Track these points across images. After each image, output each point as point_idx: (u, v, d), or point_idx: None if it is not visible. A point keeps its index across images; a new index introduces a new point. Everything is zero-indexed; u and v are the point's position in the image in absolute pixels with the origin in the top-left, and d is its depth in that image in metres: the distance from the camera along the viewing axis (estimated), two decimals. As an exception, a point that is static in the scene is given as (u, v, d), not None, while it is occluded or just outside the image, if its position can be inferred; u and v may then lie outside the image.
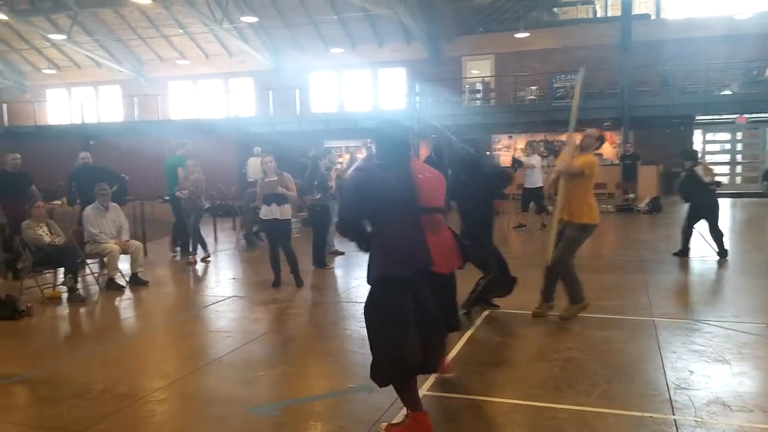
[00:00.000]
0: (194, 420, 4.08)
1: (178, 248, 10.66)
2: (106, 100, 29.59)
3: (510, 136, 23.75)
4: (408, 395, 3.61)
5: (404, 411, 3.77)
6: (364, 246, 3.68)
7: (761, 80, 19.73)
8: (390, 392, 4.12)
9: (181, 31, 25.87)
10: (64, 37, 25.46)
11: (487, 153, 21.76)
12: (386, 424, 3.72)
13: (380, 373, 3.57)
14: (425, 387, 4.31)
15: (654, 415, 3.83)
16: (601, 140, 6.10)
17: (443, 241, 3.68)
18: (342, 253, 10.08)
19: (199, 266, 9.72)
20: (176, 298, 7.88)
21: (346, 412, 4.11)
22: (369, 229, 3.67)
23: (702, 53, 20.48)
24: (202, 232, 10.17)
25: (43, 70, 29.88)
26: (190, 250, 9.94)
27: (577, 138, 5.98)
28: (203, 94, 28.03)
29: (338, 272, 9.01)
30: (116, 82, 29.01)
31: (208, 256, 10.13)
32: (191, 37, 26.52)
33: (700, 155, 10.02)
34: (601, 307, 6.32)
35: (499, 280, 6.05)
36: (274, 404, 4.21)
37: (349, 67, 26.06)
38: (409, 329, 3.46)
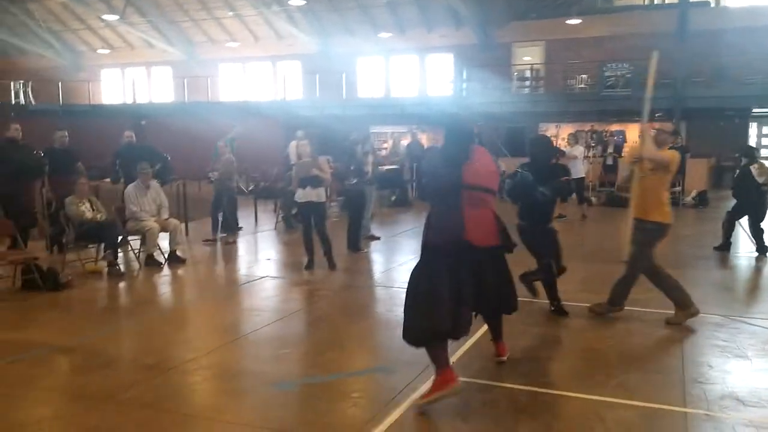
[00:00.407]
0: (216, 392, 4.26)
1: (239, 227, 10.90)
2: (158, 81, 30.32)
3: (557, 125, 23.35)
4: (436, 354, 3.89)
5: (418, 394, 3.84)
6: None
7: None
8: (406, 375, 4.23)
9: (231, 13, 26.24)
10: (117, 17, 26.14)
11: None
12: (418, 397, 3.90)
13: (411, 334, 3.91)
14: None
15: (665, 406, 3.83)
16: (676, 135, 5.84)
17: (482, 217, 4.01)
18: (378, 238, 10.14)
19: (238, 246, 9.94)
20: (212, 276, 8.10)
21: (362, 390, 4.21)
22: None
23: (763, 43, 19.63)
24: (222, 215, 10.12)
25: (98, 50, 30.78)
26: (228, 230, 10.15)
27: (648, 128, 5.51)
28: (252, 77, 28.42)
29: (372, 257, 9.09)
30: (168, 63, 29.67)
31: (215, 240, 10.01)
32: (241, 20, 26.87)
33: (757, 153, 9.75)
34: (629, 300, 6.21)
35: (549, 268, 5.83)
36: (295, 381, 4.34)
37: (396, 52, 25.98)
38: (440, 295, 3.78)
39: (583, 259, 8.48)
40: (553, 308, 5.85)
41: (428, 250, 3.99)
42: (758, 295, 7.29)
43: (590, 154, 19.90)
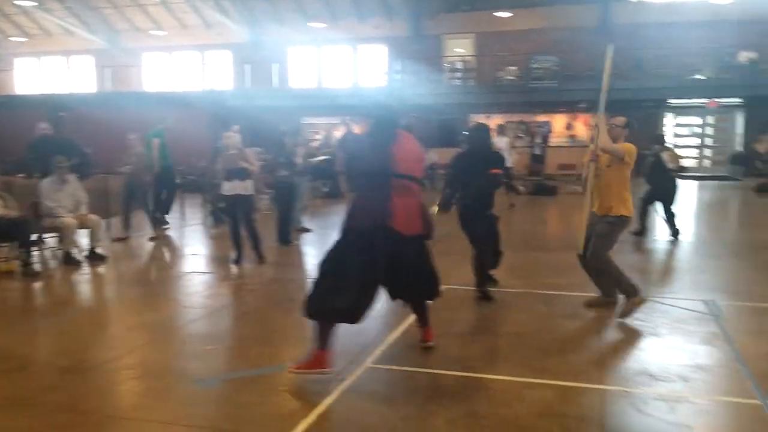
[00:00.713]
0: (138, 391, 4.13)
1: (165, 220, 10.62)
2: (78, 71, 29.05)
3: (487, 116, 23.80)
4: (324, 333, 4.04)
5: (347, 384, 3.88)
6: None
7: (733, 65, 19.92)
8: (334, 365, 4.23)
9: None
10: (35, 3, 24.88)
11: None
12: (291, 364, 4.12)
13: (309, 307, 4.04)
14: (369, 360, 4.40)
15: (583, 384, 4.00)
16: (630, 127, 5.47)
17: (408, 205, 4.12)
18: (309, 230, 10.10)
19: (164, 242, 9.67)
20: (134, 272, 7.85)
21: (290, 382, 4.16)
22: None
23: (680, 38, 20.57)
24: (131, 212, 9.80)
25: (13, 38, 29.21)
26: (155, 225, 9.86)
27: (604, 120, 5.40)
28: (179, 66, 27.65)
29: (302, 249, 9.04)
30: (89, 52, 28.48)
31: (126, 238, 9.60)
32: (167, 7, 26.09)
33: (667, 141, 10.29)
34: (550, 284, 6.51)
35: (485, 254, 5.94)
36: (220, 376, 4.26)
37: (329, 42, 25.82)
38: (347, 277, 3.90)
39: (511, 246, 8.63)
40: (480, 294, 5.95)
41: (349, 233, 4.06)
42: (671, 276, 7.68)
43: (518, 144, 20.41)
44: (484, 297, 5.94)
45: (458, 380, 4.10)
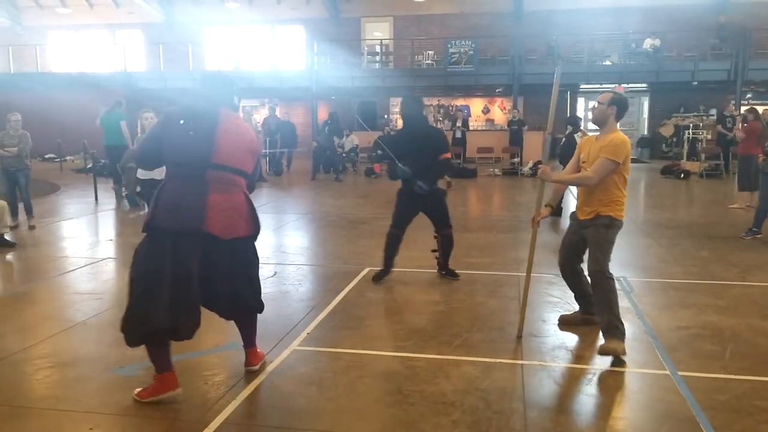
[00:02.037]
0: (52, 381, 3.94)
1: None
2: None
3: (407, 100, 23.97)
4: (156, 355, 3.49)
5: (273, 367, 3.81)
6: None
7: (639, 52, 20.90)
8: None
9: (60, -24, 24.03)
10: None
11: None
12: (138, 389, 3.62)
13: (128, 331, 3.41)
14: (295, 343, 4.38)
15: (504, 360, 4.11)
16: (619, 104, 4.26)
17: (230, 203, 3.45)
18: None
19: (77, 228, 9.25)
20: (46, 259, 7.46)
21: (214, 368, 4.09)
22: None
23: (589, 24, 21.35)
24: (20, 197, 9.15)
25: None
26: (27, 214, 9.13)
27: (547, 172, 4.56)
28: (87, 47, 26.28)
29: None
30: (-12, 30, 26.65)
31: (16, 226, 9.02)
32: (72, -16, 24.70)
33: (581, 123, 10.64)
34: (472, 264, 6.66)
35: (393, 237, 5.96)
36: (138, 364, 4.12)
37: (246, 23, 25.22)
38: (160, 288, 3.28)
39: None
40: (376, 274, 6.06)
41: (154, 234, 3.37)
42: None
43: (440, 128, 20.71)
44: (377, 277, 5.98)
45: (384, 360, 4.15)
